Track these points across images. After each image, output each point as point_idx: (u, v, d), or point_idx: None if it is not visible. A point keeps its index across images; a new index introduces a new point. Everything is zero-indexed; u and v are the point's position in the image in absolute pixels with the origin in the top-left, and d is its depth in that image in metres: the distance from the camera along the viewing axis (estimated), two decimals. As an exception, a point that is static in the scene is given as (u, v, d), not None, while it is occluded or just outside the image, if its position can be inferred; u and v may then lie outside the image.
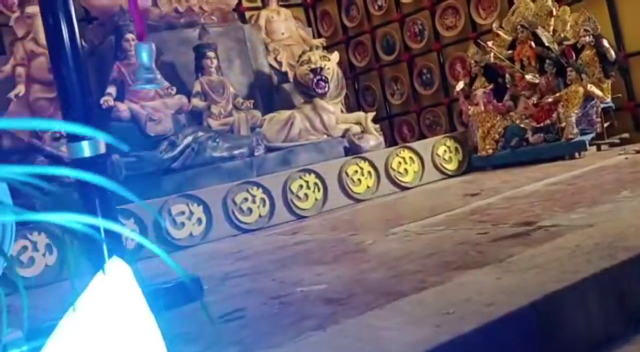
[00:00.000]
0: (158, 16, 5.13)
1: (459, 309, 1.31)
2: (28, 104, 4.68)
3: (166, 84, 1.11)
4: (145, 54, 1.06)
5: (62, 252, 3.47)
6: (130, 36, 4.58)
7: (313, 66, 5.04)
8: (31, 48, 4.73)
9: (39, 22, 4.69)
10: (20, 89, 4.63)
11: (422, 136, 6.29)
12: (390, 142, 6.62)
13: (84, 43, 5.19)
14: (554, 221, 2.17)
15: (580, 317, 1.30)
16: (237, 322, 1.66)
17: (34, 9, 4.72)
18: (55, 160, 4.01)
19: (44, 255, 3.47)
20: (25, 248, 3.43)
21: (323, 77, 5.06)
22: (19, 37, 4.79)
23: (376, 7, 6.51)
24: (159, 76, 1.08)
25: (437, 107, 6.16)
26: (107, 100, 4.39)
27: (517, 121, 4.86)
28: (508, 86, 4.97)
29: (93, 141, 1.04)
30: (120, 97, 4.56)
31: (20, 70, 4.69)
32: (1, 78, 4.68)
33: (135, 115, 4.45)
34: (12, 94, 4.59)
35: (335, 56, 5.29)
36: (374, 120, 6.59)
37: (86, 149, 1.03)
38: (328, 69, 5.11)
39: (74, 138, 1.03)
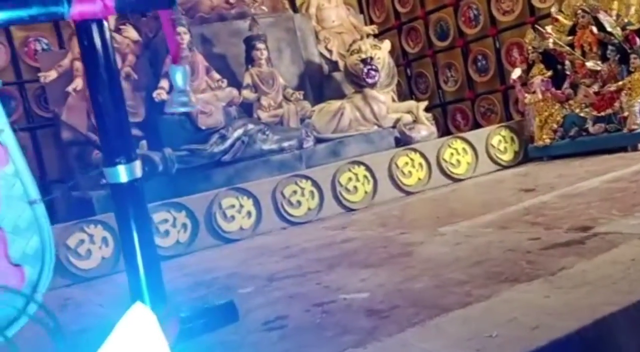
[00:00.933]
0: (209, 8, 5.17)
1: (502, 331, 1.27)
2: (85, 98, 4.80)
3: (198, 106, 1.11)
4: (179, 77, 1.06)
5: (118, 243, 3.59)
6: (182, 29, 4.62)
7: (363, 56, 4.97)
8: (88, 42, 4.85)
9: (95, 17, 4.82)
10: (78, 83, 4.77)
11: (477, 124, 6.15)
12: (444, 130, 6.50)
13: (139, 36, 5.31)
14: (610, 227, 2.07)
15: (632, 347, 1.23)
16: (278, 331, 1.66)
17: (90, 4, 4.84)
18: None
19: (100, 248, 3.59)
20: (82, 241, 3.55)
21: (374, 67, 4.98)
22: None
23: (430, -8, 6.35)
24: (193, 99, 1.07)
25: (492, 94, 5.98)
26: (160, 94, 4.47)
27: (577, 110, 4.65)
28: (568, 73, 4.76)
29: (129, 165, 1.04)
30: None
31: (78, 64, 4.82)
32: (60, 72, 4.83)
33: (187, 108, 4.51)
34: (70, 88, 4.74)
35: (386, 45, 5.20)
36: (427, 109, 6.49)
37: (122, 174, 1.03)
38: (379, 58, 5.02)
39: (110, 162, 1.04)
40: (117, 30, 4.99)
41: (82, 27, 1.01)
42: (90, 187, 4.36)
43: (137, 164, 1.06)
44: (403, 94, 6.87)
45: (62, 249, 3.50)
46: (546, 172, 4.14)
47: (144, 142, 4.42)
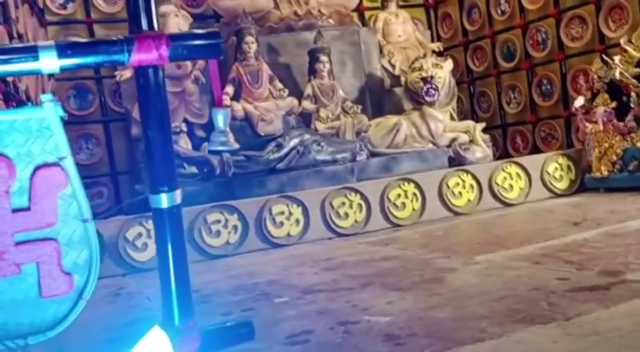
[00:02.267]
0: (279, 18, 5.36)
1: (504, 372, 1.34)
2: (156, 97, 5.09)
3: (236, 146, 1.22)
4: (221, 119, 1.19)
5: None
6: (249, 39, 4.84)
7: (424, 74, 5.04)
8: (162, 45, 5.13)
9: (170, 21, 5.11)
10: (150, 82, 5.05)
11: (536, 149, 6.08)
12: (502, 152, 6.46)
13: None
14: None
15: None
16: (300, 346, 1.78)
17: (166, 9, 5.12)
18: (173, 154, 4.34)
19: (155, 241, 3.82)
20: (140, 234, 3.80)
21: (433, 86, 5.03)
22: (153, 34, 5.21)
23: (499, 12, 6.31)
24: (231, 139, 1.20)
25: (554, 119, 5.90)
26: (224, 100, 4.68)
27: (638, 144, 4.55)
28: (632, 106, 4.65)
29: (171, 194, 1.19)
30: (237, 96, 4.85)
31: (151, 65, 5.11)
32: (135, 72, 5.12)
33: (249, 115, 4.71)
34: (142, 87, 5.02)
35: (448, 64, 5.24)
36: (487, 128, 6.47)
37: (164, 201, 1.18)
38: (439, 77, 5.07)
39: (154, 190, 1.19)
40: (191, 34, 5.25)
41: (140, 71, 1.16)
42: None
43: (178, 193, 1.21)
44: (465, 112, 6.89)
45: (121, 241, 3.77)
46: (598, 206, 4.09)
47: (205, 145, 4.64)
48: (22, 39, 4.26)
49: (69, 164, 1.13)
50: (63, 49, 1.06)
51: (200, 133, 5.13)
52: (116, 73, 5.16)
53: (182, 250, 1.21)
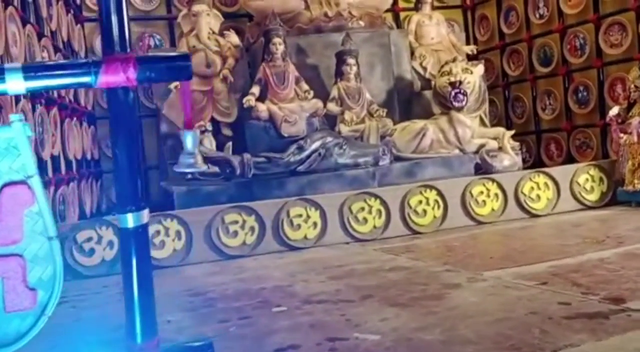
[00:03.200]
0: (308, 19, 5.36)
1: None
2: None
3: (204, 167, 1.22)
4: (190, 141, 1.19)
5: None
6: (277, 40, 4.85)
7: (452, 79, 4.94)
8: (193, 43, 5.19)
9: (202, 20, 5.16)
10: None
11: (570, 157, 5.91)
12: (536, 159, 6.32)
13: (242, 40, 5.61)
14: (644, 305, 2.00)
15: None
16: (282, 361, 1.78)
17: (199, 8, 5.18)
18: (195, 153, 4.39)
19: (173, 240, 3.88)
20: (158, 232, 3.86)
21: (462, 91, 4.94)
22: (184, 32, 5.28)
23: (537, 16, 6.15)
24: (199, 161, 1.20)
25: (589, 128, 5.72)
26: (249, 100, 4.72)
27: (674, 158, 4.38)
28: (670, 118, 4.48)
29: (138, 214, 1.20)
30: (263, 97, 4.87)
31: (181, 63, 5.17)
32: (166, 69, 5.19)
33: (273, 115, 4.73)
34: (172, 85, 5.09)
35: (478, 69, 5.13)
36: (520, 134, 6.34)
37: (130, 220, 1.20)
38: (468, 82, 4.97)
39: (121, 209, 1.21)
40: (221, 34, 5.30)
41: (110, 92, 1.18)
42: (176, 180, 4.70)
43: (145, 213, 1.22)
44: (498, 117, 6.75)
45: (140, 238, 3.84)
46: (626, 221, 3.95)
47: (229, 144, 4.68)
48: (55, 37, 4.38)
49: (36, 182, 1.16)
50: (30, 71, 1.08)
51: (226, 132, 5.18)
52: (147, 70, 5.24)
53: (147, 269, 1.23)
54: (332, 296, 2.58)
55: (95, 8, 5.89)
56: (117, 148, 1.18)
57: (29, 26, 3.45)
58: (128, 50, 1.20)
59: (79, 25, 5.50)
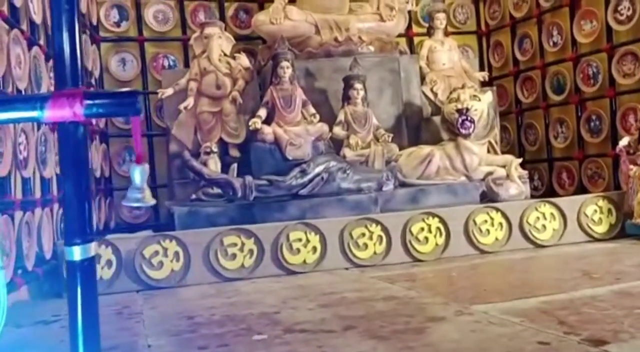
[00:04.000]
0: (318, 44, 5.40)
1: None
2: (194, 115, 5.23)
3: (152, 202, 1.22)
4: (138, 176, 1.20)
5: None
6: (285, 64, 4.90)
7: (460, 106, 4.93)
8: (204, 65, 5.26)
9: (213, 43, 5.24)
10: (190, 101, 5.18)
11: (582, 187, 5.82)
12: (548, 187, 6.23)
13: (254, 62, 5.68)
14: (624, 348, 1.94)
15: None
16: (245, 394, 1.77)
17: (211, 30, 5.27)
18: (197, 173, 4.43)
19: (171, 261, 3.91)
20: (157, 252, 3.89)
21: (469, 118, 4.91)
22: (196, 54, 5.37)
23: (551, 43, 6.10)
24: (147, 196, 1.21)
25: (601, 158, 5.62)
26: (255, 123, 4.75)
27: (684, 192, 4.28)
28: (680, 151, 4.39)
29: (84, 246, 1.22)
30: (270, 120, 4.90)
31: (192, 84, 5.25)
32: (177, 90, 5.27)
33: (278, 138, 4.76)
34: (182, 106, 5.16)
35: (487, 96, 5.10)
36: (532, 161, 6.28)
37: (76, 254, 1.21)
38: (475, 109, 4.94)
39: (68, 242, 1.22)
40: (232, 56, 5.38)
41: (60, 126, 1.20)
42: (181, 201, 4.75)
43: (92, 246, 1.23)
44: (511, 143, 6.69)
45: (138, 258, 3.87)
46: (630, 256, 3.87)
47: (234, 166, 4.71)
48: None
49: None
50: (-23, 106, 1.11)
51: (234, 153, 5.22)
52: (158, 91, 5.33)
53: (93, 304, 1.23)
54: (315, 325, 2.56)
55: (113, 29, 6.05)
56: (65, 181, 1.20)
57: (35, 48, 3.53)
58: (80, 84, 1.23)
59: (94, 46, 5.62)
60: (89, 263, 1.22)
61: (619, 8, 5.33)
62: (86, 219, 1.23)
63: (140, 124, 1.22)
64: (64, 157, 1.22)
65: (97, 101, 1.16)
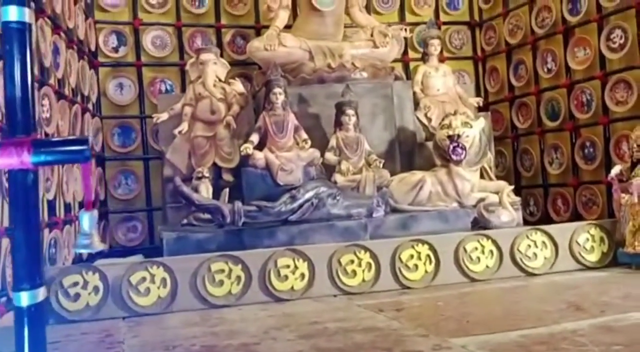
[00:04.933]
0: (312, 70, 5.45)
1: None
2: (189, 140, 5.27)
3: (101, 247, 1.24)
4: (87, 222, 1.22)
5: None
6: (277, 90, 4.95)
7: (451, 132, 4.94)
8: (199, 91, 5.32)
9: (209, 68, 5.31)
10: (184, 126, 5.24)
11: (577, 213, 5.80)
12: (543, 213, 6.22)
13: (249, 87, 5.74)
14: (593, 390, 1.92)
15: None
16: None
17: (207, 56, 5.34)
18: (186, 199, 4.44)
19: (158, 287, 3.91)
20: (144, 279, 3.89)
21: (460, 145, 4.93)
22: (192, 79, 5.43)
23: (545, 70, 6.14)
24: (95, 241, 1.22)
25: (595, 185, 5.61)
26: (247, 148, 4.79)
27: (675, 221, 4.25)
28: (671, 180, 4.38)
29: (32, 292, 1.23)
30: (262, 145, 4.94)
31: (187, 109, 5.31)
32: (171, 114, 5.33)
33: (270, 163, 4.79)
34: (176, 130, 5.21)
35: (479, 122, 5.12)
36: (528, 187, 6.27)
37: (24, 299, 1.23)
38: (467, 136, 4.96)
39: (16, 287, 1.24)
40: (227, 82, 5.44)
41: (10, 173, 1.23)
42: (172, 226, 4.77)
43: (41, 291, 1.25)
44: (507, 168, 6.69)
45: (125, 284, 3.87)
46: (620, 286, 3.84)
47: (226, 191, 4.73)
48: (62, 84, 4.55)
49: None
50: None
51: (227, 177, 5.25)
52: (154, 115, 5.39)
53: (41, 350, 1.24)
54: (290, 359, 2.55)
55: (111, 54, 6.14)
56: (16, 228, 1.22)
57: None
58: (32, 132, 1.25)
59: (92, 71, 5.69)
60: (37, 309, 1.23)
61: (612, 36, 5.36)
62: (35, 264, 1.24)
63: (90, 170, 1.24)
64: (13, 204, 1.24)
65: (45, 149, 1.19)
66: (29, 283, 1.23)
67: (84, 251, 1.23)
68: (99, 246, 1.25)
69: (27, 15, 1.22)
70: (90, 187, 1.29)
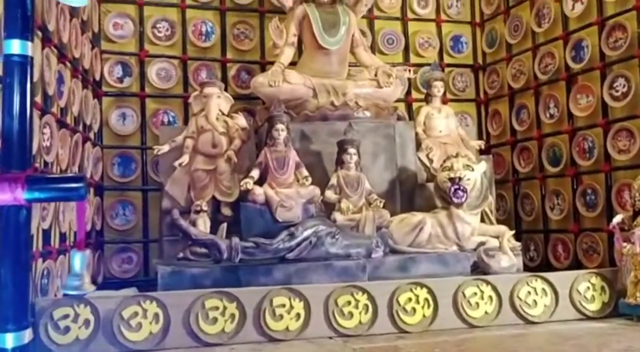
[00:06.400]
0: (315, 107, 5.46)
1: None
2: (189, 172, 5.23)
3: (92, 289, 1.20)
4: (78, 262, 1.18)
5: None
6: (280, 126, 4.94)
7: (452, 175, 4.92)
8: (202, 124, 5.31)
9: (212, 102, 5.31)
10: (185, 159, 5.20)
11: (577, 261, 5.73)
12: (543, 258, 6.15)
13: (252, 121, 5.74)
14: None
15: None
16: None
17: (210, 90, 5.35)
18: (183, 232, 4.39)
19: (150, 323, 3.82)
20: (136, 313, 3.81)
21: (461, 187, 4.90)
22: (195, 112, 5.43)
23: (548, 115, 6.16)
24: (86, 283, 1.18)
25: (596, 232, 5.56)
26: (247, 183, 4.75)
27: (678, 273, 4.19)
28: (674, 231, 4.32)
29: (18, 334, 1.18)
30: (262, 181, 4.91)
31: (189, 142, 5.28)
32: (172, 146, 5.30)
33: (269, 199, 4.74)
34: (177, 163, 5.17)
35: (481, 166, 5.10)
36: (529, 232, 6.22)
37: (9, 341, 1.17)
38: (468, 179, 4.93)
39: (1, 327, 1.19)
40: (231, 116, 5.43)
41: (2, 208, 1.19)
42: (168, 259, 4.70)
43: (27, 333, 1.19)
44: (508, 212, 6.65)
45: (117, 319, 3.79)
46: (619, 338, 3.75)
47: (224, 226, 4.68)
48: (64, 112, 4.54)
49: None
50: None
51: (226, 211, 5.19)
52: (154, 147, 5.36)
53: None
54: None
55: (116, 85, 6.16)
56: (2, 267, 1.18)
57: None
58: (27, 167, 1.22)
59: (95, 100, 5.71)
60: (21, 351, 1.18)
61: (615, 85, 5.39)
62: (22, 305, 1.20)
63: (85, 209, 1.20)
64: (4, 240, 1.20)
65: (39, 186, 1.15)
66: (14, 324, 1.19)
67: (73, 293, 1.18)
68: (89, 288, 1.20)
69: (30, 48, 1.20)
70: (84, 225, 1.25)
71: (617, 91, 5.37)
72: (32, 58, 1.22)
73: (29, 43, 1.18)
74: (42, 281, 3.93)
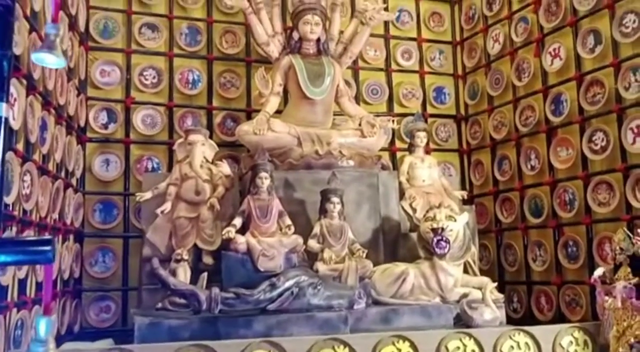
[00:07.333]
0: (299, 155, 5.49)
1: None
2: (171, 220, 5.19)
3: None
4: (43, 328, 1.14)
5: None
6: (263, 175, 4.94)
7: (435, 225, 4.93)
8: (185, 171, 5.29)
9: (196, 149, 5.31)
10: (167, 206, 5.16)
11: (560, 313, 5.71)
12: (526, 310, 6.12)
13: (236, 169, 5.74)
14: None
15: None
16: None
17: (195, 137, 5.36)
18: (162, 282, 4.32)
19: (125, 376, 3.72)
20: (110, 366, 3.72)
21: (444, 238, 4.90)
22: (179, 159, 5.42)
23: (529, 166, 6.23)
24: (51, 348, 1.14)
25: (579, 285, 5.56)
26: (229, 232, 4.70)
27: (660, 328, 4.17)
28: (655, 285, 4.33)
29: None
30: (245, 229, 4.87)
31: (172, 189, 5.24)
32: (155, 193, 5.26)
33: (251, 248, 4.69)
34: (159, 210, 5.12)
35: (463, 217, 5.12)
36: (512, 283, 6.20)
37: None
38: (451, 230, 4.94)
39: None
40: (215, 163, 5.43)
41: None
42: (146, 309, 4.61)
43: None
44: (491, 262, 6.64)
45: (91, 371, 3.70)
46: (605, 396, 3.69)
47: (204, 275, 4.60)
48: (46, 159, 4.52)
49: None
50: None
51: (207, 260, 5.13)
52: (137, 194, 5.33)
53: None
54: None
55: (100, 131, 6.16)
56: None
57: (9, 153, 3.56)
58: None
59: (79, 146, 5.69)
60: None
61: (594, 138, 5.48)
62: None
63: (52, 272, 1.17)
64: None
65: (6, 249, 1.13)
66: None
67: (39, 362, 1.14)
68: (56, 356, 1.16)
69: (4, 109, 1.20)
70: (51, 289, 1.22)
71: (596, 145, 5.46)
72: (7, 119, 1.22)
73: (3, 104, 1.19)
74: (15, 332, 3.81)
